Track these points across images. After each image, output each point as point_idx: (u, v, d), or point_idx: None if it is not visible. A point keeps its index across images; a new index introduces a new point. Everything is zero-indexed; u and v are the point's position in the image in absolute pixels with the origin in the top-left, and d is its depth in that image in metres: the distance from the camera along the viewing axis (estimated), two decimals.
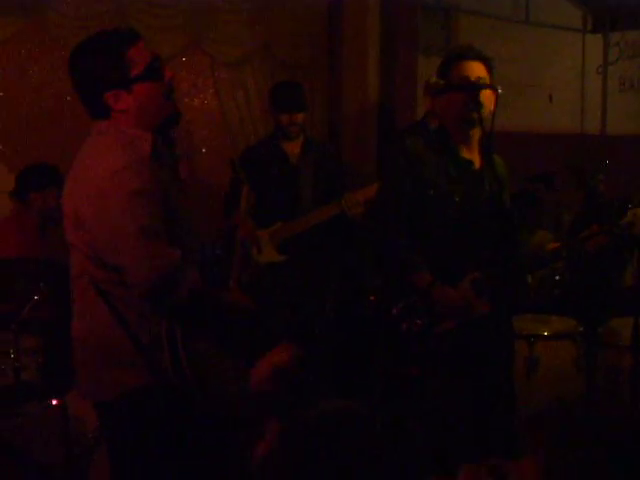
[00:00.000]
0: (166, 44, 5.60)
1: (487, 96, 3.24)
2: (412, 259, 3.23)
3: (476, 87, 3.21)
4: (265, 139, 5.27)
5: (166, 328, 2.53)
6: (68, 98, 3.79)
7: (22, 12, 4.99)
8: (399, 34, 6.50)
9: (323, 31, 6.45)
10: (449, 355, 3.22)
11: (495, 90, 3.23)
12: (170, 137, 2.71)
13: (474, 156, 3.38)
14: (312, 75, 6.43)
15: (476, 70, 3.29)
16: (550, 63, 8.00)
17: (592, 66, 8.34)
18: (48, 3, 5.05)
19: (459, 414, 3.29)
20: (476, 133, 3.33)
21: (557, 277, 4.89)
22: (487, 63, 3.34)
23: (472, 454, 3.29)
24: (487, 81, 3.29)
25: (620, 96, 8.29)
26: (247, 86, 6.08)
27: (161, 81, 2.59)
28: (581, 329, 4.36)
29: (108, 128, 2.58)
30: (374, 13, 6.43)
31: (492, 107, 3.26)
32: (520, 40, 7.68)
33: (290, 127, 4.97)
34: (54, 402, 3.60)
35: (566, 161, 6.81)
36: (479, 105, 3.20)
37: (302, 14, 6.26)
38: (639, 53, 8.14)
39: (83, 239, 2.53)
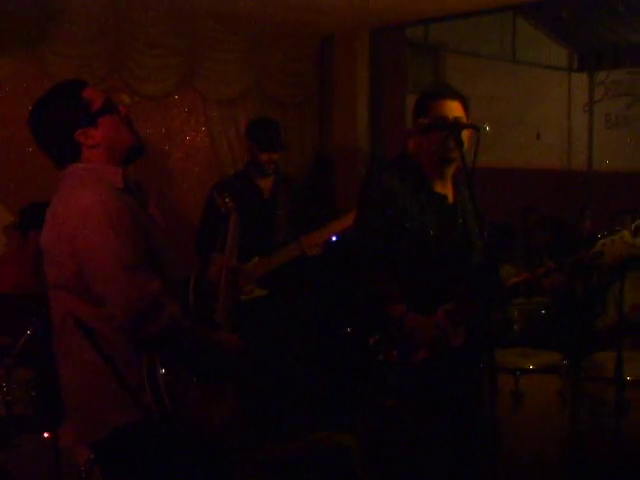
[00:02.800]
0: (160, 83, 5.73)
1: (465, 134, 3.32)
2: (386, 290, 3.29)
3: (459, 126, 3.29)
4: (238, 173, 5.32)
5: (147, 365, 2.59)
6: None
7: (19, 51, 5.09)
8: (388, 72, 6.65)
9: (314, 69, 6.59)
10: (424, 385, 3.26)
11: (475, 129, 3.30)
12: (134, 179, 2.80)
13: (447, 190, 3.45)
14: (303, 112, 6.56)
15: (454, 109, 3.35)
16: (537, 101, 8.16)
17: (578, 104, 8.50)
18: (45, 43, 5.14)
19: (433, 445, 3.33)
20: (451, 169, 3.41)
21: (543, 311, 4.94)
22: (463, 102, 3.41)
23: None
24: (464, 119, 3.36)
25: (606, 133, 8.43)
26: (239, 123, 6.17)
27: (120, 115, 2.74)
28: (565, 362, 4.41)
29: (79, 169, 2.68)
30: (364, 52, 6.57)
31: (469, 143, 3.33)
32: (507, 78, 7.84)
33: (268, 165, 5.04)
34: (46, 435, 3.64)
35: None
36: (460, 144, 3.27)
37: (293, 52, 6.42)
38: (624, 91, 8.29)
39: (72, 271, 2.58)
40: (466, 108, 3.39)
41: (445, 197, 3.42)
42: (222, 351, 2.84)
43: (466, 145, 3.30)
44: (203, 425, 2.74)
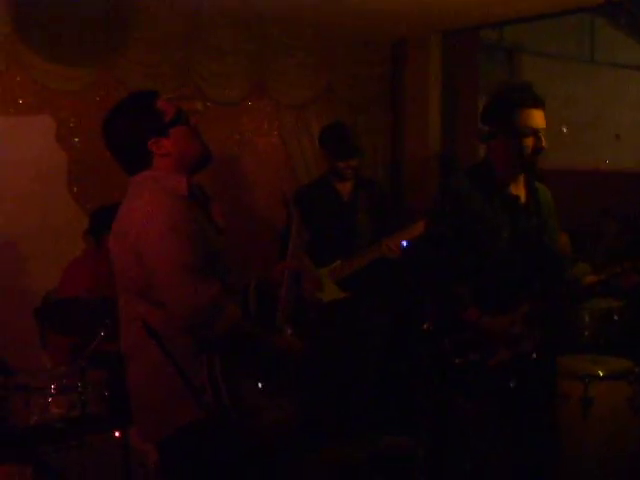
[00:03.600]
0: (231, 90, 5.84)
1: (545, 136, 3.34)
2: (459, 295, 3.31)
3: (538, 136, 3.30)
4: (318, 179, 5.41)
5: (207, 364, 2.69)
6: None
7: (98, 61, 5.24)
8: (460, 74, 6.63)
9: (386, 72, 6.60)
10: (500, 388, 3.27)
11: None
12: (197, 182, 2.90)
13: (520, 191, 3.46)
14: (375, 116, 6.59)
15: (539, 120, 3.33)
16: (616, 101, 8.01)
17: None
18: (119, 52, 5.30)
19: (509, 446, 3.34)
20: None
21: (615, 317, 4.88)
22: (544, 108, 3.39)
23: None
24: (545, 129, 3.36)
25: None
26: (311, 128, 6.24)
27: (190, 125, 2.85)
28: (637, 369, 4.35)
29: (144, 178, 2.80)
30: (436, 54, 6.55)
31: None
32: (585, 79, 7.72)
33: (346, 170, 5.11)
34: (117, 434, 3.77)
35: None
36: (542, 149, 3.30)
37: (365, 56, 6.45)
38: None
39: (140, 276, 2.69)
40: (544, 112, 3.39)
41: (517, 197, 3.44)
42: (282, 354, 2.91)
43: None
44: (260, 424, 2.82)
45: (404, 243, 4.88)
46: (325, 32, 6.15)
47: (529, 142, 3.30)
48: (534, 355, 3.31)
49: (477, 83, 6.63)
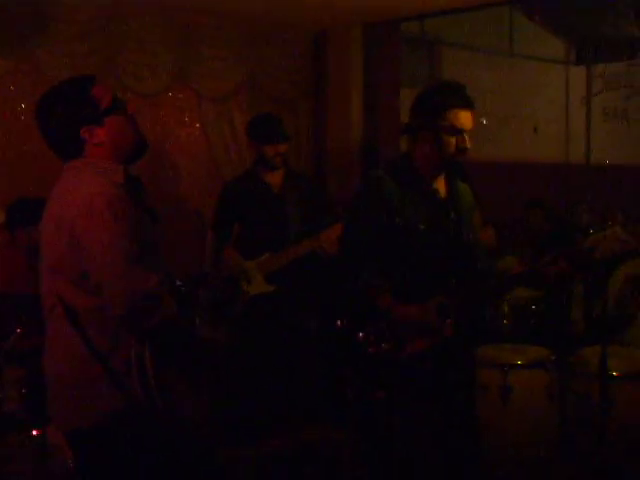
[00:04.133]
0: (153, 80, 5.78)
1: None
2: (374, 283, 3.34)
3: (462, 134, 3.34)
4: (245, 172, 5.35)
5: (135, 354, 2.65)
6: None
7: (11, 51, 5.14)
8: (382, 67, 6.66)
9: (308, 64, 6.62)
10: (414, 379, 3.31)
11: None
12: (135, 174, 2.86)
13: (439, 185, 3.50)
14: (297, 108, 6.61)
15: (466, 120, 3.35)
16: (535, 94, 8.17)
17: (576, 97, 8.51)
18: (38, 41, 5.20)
19: (422, 439, 3.38)
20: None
21: (533, 306, 4.99)
22: (473, 109, 3.43)
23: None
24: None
25: (604, 126, 8.45)
26: (233, 120, 6.23)
27: (127, 114, 2.80)
28: (553, 358, 4.46)
29: (81, 163, 2.74)
30: (357, 46, 6.59)
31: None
32: (504, 72, 7.86)
33: (275, 158, 5.06)
34: (34, 432, 3.71)
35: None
36: (464, 151, 3.34)
37: (287, 48, 6.46)
38: (622, 84, 8.30)
39: (72, 259, 2.63)
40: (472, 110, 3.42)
41: (436, 191, 3.48)
42: (202, 344, 2.90)
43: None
44: (185, 415, 2.81)
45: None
46: (246, 23, 6.14)
47: (453, 141, 3.34)
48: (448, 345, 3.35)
49: (399, 76, 6.69)
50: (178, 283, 2.92)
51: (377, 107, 6.59)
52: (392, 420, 3.40)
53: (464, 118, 3.36)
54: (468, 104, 3.39)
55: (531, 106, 8.13)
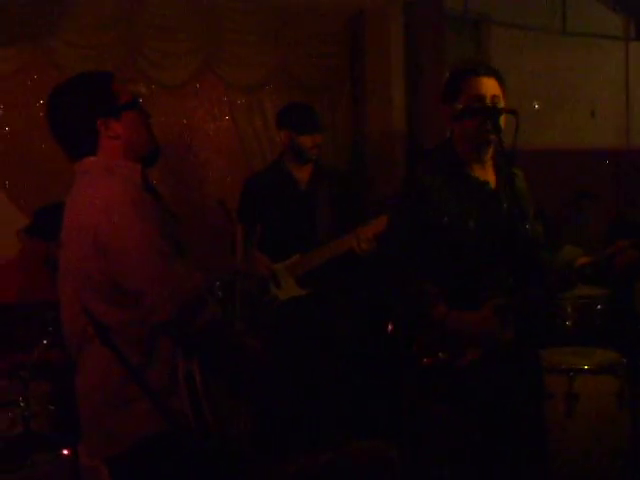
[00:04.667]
0: (178, 70, 5.78)
1: (504, 117, 3.32)
2: (426, 291, 3.30)
3: (496, 112, 3.29)
4: (271, 165, 5.26)
5: (184, 370, 2.64)
6: None
7: (28, 43, 5.15)
8: (425, 49, 6.61)
9: (344, 49, 6.58)
10: (475, 387, 3.27)
11: (513, 114, 3.29)
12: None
13: (488, 175, 3.44)
14: (334, 97, 6.56)
15: (490, 87, 3.33)
16: (591, 75, 8.06)
17: (637, 76, 8.38)
18: (55, 33, 5.21)
19: (483, 449, 3.34)
20: (489, 152, 3.41)
21: (599, 306, 4.92)
22: (499, 78, 3.39)
23: None
24: (501, 98, 3.35)
25: None
26: (265, 111, 6.20)
27: (144, 114, 2.83)
28: (624, 361, 4.39)
29: (94, 164, 2.73)
30: (397, 28, 6.54)
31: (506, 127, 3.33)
32: (557, 51, 7.76)
33: (312, 150, 5.00)
34: (65, 452, 3.71)
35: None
36: (498, 129, 3.28)
37: (321, 33, 6.41)
38: None
39: (100, 271, 2.62)
40: (502, 84, 3.38)
41: (486, 183, 3.42)
42: (244, 354, 2.87)
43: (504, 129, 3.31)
44: (231, 433, 2.79)
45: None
46: (277, 6, 6.10)
47: (488, 119, 3.29)
48: (511, 350, 3.30)
49: (443, 57, 6.63)
50: (217, 284, 2.91)
51: (421, 91, 6.54)
52: (455, 433, 3.37)
53: (489, 85, 3.32)
54: (489, 71, 3.36)
55: (587, 88, 8.03)
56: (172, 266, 2.57)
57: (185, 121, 5.96)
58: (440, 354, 3.29)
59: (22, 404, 3.85)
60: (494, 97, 3.32)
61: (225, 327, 2.78)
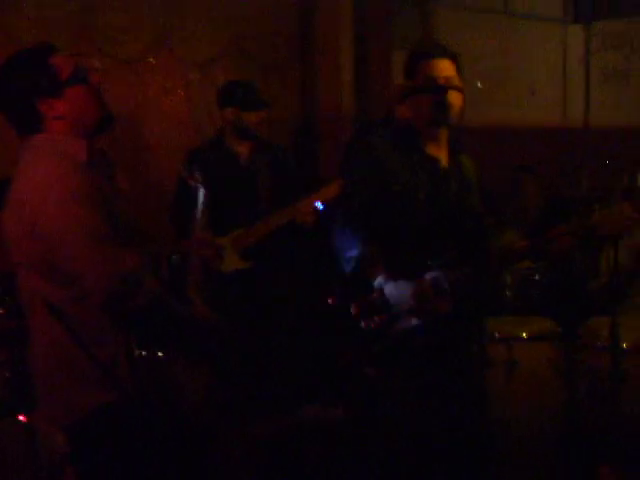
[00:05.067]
0: (133, 45, 5.70)
1: (455, 95, 3.33)
2: (368, 253, 3.30)
3: (443, 89, 3.30)
4: (211, 141, 5.23)
5: (122, 340, 2.62)
6: None
7: None
8: (372, 27, 6.59)
9: (295, 26, 6.54)
10: (409, 355, 3.28)
11: (459, 90, 3.30)
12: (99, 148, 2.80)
13: (441, 154, 3.46)
14: (285, 72, 6.52)
15: (444, 69, 3.36)
16: (531, 55, 8.10)
17: (574, 57, 8.44)
18: (10, 5, 5.10)
19: (422, 418, 3.36)
20: (444, 132, 3.42)
21: (536, 277, 4.97)
22: (454, 60, 3.41)
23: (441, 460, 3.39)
24: (456, 79, 3.37)
25: (603, 87, 8.39)
26: (217, 85, 6.12)
27: (90, 85, 2.72)
28: (560, 330, 4.45)
29: (40, 141, 2.68)
30: (347, 7, 6.51)
31: (460, 105, 3.34)
32: (499, 32, 7.78)
33: (257, 126, 4.97)
34: (21, 418, 3.65)
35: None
36: (447, 107, 3.28)
37: (273, 9, 6.36)
38: (622, 43, 8.24)
39: (37, 251, 2.59)
40: (457, 65, 3.40)
41: (437, 160, 3.44)
42: (197, 325, 2.85)
43: (459, 105, 3.32)
44: (179, 401, 2.78)
45: (319, 205, 4.78)
46: None
47: (438, 98, 3.30)
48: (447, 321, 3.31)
49: (390, 36, 6.62)
50: (172, 259, 2.88)
51: (368, 69, 6.52)
52: (380, 397, 3.38)
53: (443, 67, 3.34)
54: (444, 53, 3.39)
55: (527, 67, 8.07)
56: (106, 249, 2.54)
57: (140, 95, 5.87)
58: (376, 318, 3.28)
59: None
60: (448, 78, 3.32)
61: (168, 300, 2.72)
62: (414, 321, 3.25)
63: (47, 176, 2.56)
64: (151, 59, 5.87)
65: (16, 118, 2.69)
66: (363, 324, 3.28)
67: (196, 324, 2.85)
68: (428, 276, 3.27)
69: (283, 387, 5.02)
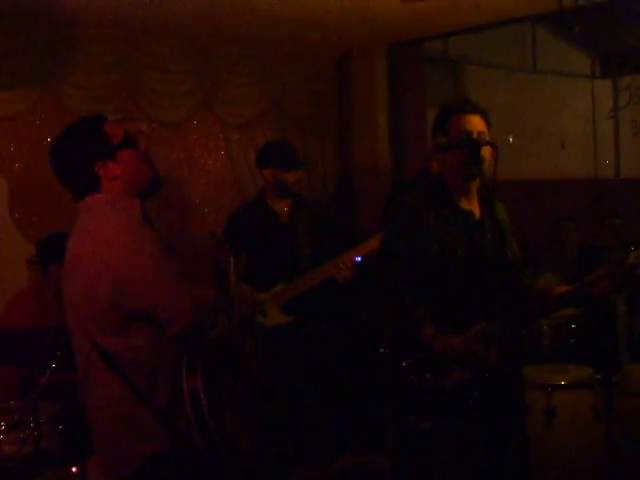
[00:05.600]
0: (176, 109, 5.80)
1: (486, 149, 3.34)
2: (415, 314, 3.29)
3: (477, 144, 3.31)
4: (252, 200, 5.27)
5: (189, 388, 2.63)
6: None
7: (35, 84, 5.15)
8: (407, 87, 6.66)
9: (332, 87, 6.62)
10: (460, 408, 3.26)
11: (493, 145, 3.31)
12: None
13: (474, 206, 3.45)
14: (323, 132, 6.59)
15: (476, 124, 3.37)
16: (561, 110, 8.14)
17: (603, 111, 8.45)
18: (61, 75, 5.22)
19: (472, 468, 3.31)
20: (475, 184, 3.43)
21: (573, 325, 4.92)
22: (484, 116, 3.43)
23: None
24: (486, 134, 3.38)
25: (633, 140, 8.38)
26: (258, 145, 6.19)
27: (139, 149, 2.84)
28: (598, 377, 4.38)
29: (97, 201, 2.75)
30: (381, 67, 6.60)
31: (490, 159, 3.35)
32: (529, 88, 7.82)
33: (296, 185, 5.01)
34: (74, 469, 3.67)
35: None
36: (481, 161, 3.29)
37: (311, 71, 6.46)
38: None
39: (99, 303, 2.62)
40: (487, 121, 3.42)
41: (471, 213, 3.43)
42: (253, 377, 2.89)
43: (489, 159, 3.33)
44: (238, 447, 2.77)
45: (358, 259, 4.79)
46: (269, 47, 6.14)
47: (471, 152, 3.31)
48: (495, 371, 3.29)
49: (423, 95, 6.68)
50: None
51: (403, 128, 6.58)
52: (437, 450, 3.34)
53: (474, 122, 3.36)
54: (475, 109, 3.41)
55: (558, 122, 8.09)
56: (180, 285, 2.66)
57: (183, 156, 5.96)
58: (427, 375, 3.27)
59: (32, 424, 3.80)
60: (480, 133, 3.34)
61: (233, 346, 2.78)
62: (466, 374, 3.23)
63: (111, 227, 2.64)
64: (194, 121, 5.97)
65: (75, 182, 2.77)
66: (414, 380, 3.27)
67: (250, 374, 2.89)
68: (475, 328, 3.26)
69: (324, 437, 4.99)
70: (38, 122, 5.23)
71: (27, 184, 5.19)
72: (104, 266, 2.59)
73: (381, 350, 3.41)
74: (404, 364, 3.29)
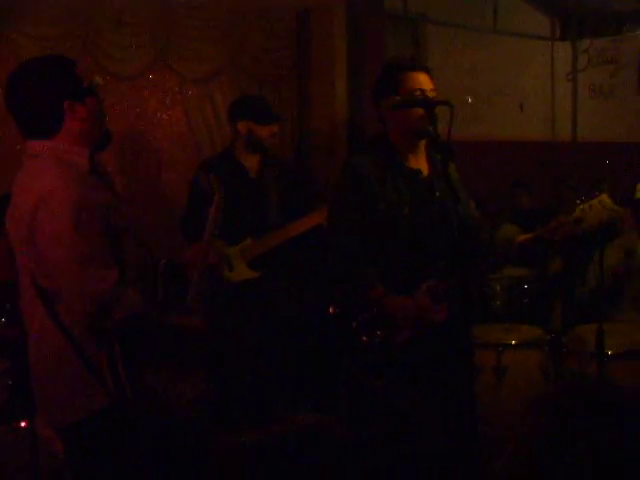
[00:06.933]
0: (132, 62, 5.71)
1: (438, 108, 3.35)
2: (364, 273, 3.31)
3: (433, 103, 3.31)
4: (221, 153, 5.21)
5: (106, 352, 2.64)
6: None
7: None
8: (366, 45, 6.61)
9: (290, 44, 6.54)
10: (411, 364, 3.29)
11: (449, 105, 3.30)
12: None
13: (421, 165, 3.46)
14: (280, 88, 6.53)
15: (426, 82, 3.38)
16: (520, 71, 8.15)
17: (562, 73, 8.49)
18: (13, 24, 5.11)
19: (424, 422, 3.36)
20: (423, 142, 3.43)
21: (525, 285, 4.98)
22: (430, 73, 3.43)
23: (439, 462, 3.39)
24: (435, 92, 3.38)
25: (590, 103, 8.43)
26: (215, 101, 6.15)
27: (100, 99, 2.78)
28: (548, 337, 4.45)
29: (44, 150, 2.68)
30: (341, 25, 6.51)
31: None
32: (489, 49, 7.82)
33: (270, 139, 4.96)
34: (23, 424, 3.66)
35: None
36: (435, 119, 3.30)
37: (269, 28, 6.36)
38: (608, 60, 8.28)
39: (35, 256, 2.61)
40: (432, 79, 3.42)
41: (419, 171, 3.44)
42: (187, 335, 2.87)
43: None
44: (170, 408, 2.79)
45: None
46: (228, 2, 6.05)
47: (419, 111, 3.31)
48: (444, 328, 3.32)
49: (383, 53, 6.64)
50: (163, 261, 2.88)
51: (362, 86, 6.53)
52: (387, 406, 3.38)
53: (423, 80, 3.36)
54: (422, 67, 3.42)
55: (517, 83, 8.11)
56: (86, 272, 2.55)
57: (138, 110, 5.88)
58: (377, 332, 3.30)
59: None
60: (431, 90, 3.34)
61: (151, 312, 2.76)
62: (415, 332, 3.27)
63: (51, 186, 2.56)
64: (150, 75, 5.89)
65: (35, 115, 2.68)
66: (365, 338, 3.30)
67: (183, 334, 2.86)
68: (424, 286, 3.28)
69: (278, 394, 5.01)
70: None
71: None
72: (38, 222, 2.56)
73: (331, 310, 3.42)
74: (354, 324, 3.31)
